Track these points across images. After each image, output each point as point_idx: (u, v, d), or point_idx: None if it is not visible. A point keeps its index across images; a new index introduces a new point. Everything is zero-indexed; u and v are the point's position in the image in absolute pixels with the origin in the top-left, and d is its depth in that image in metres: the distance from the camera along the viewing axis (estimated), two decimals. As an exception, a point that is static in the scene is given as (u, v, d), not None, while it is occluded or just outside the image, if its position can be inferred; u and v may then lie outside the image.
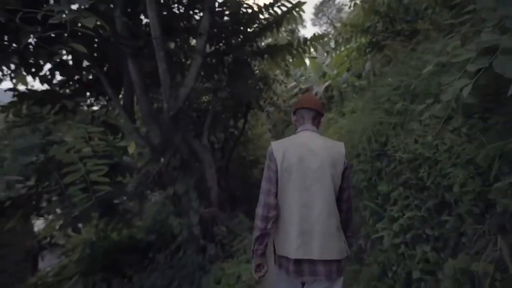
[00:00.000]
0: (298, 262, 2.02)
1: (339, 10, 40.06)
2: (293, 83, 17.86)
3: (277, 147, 2.13)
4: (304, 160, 2.06)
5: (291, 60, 8.67)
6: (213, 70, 7.94)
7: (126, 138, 5.00)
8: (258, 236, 2.09)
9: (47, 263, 8.05)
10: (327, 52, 17.00)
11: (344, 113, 11.06)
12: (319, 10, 43.06)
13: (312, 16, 45.03)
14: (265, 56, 8.25)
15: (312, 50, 8.71)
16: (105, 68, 6.48)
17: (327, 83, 13.54)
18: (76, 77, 6.32)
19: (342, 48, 10.21)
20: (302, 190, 2.03)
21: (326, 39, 8.97)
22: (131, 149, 4.13)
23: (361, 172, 4.10)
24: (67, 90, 6.42)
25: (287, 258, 2.05)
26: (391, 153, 3.53)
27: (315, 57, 17.74)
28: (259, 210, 2.09)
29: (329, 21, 43.26)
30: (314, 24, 44.48)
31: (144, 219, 7.34)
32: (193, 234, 5.58)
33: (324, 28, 43.21)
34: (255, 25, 7.96)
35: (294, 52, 8.31)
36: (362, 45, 8.84)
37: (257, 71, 9.31)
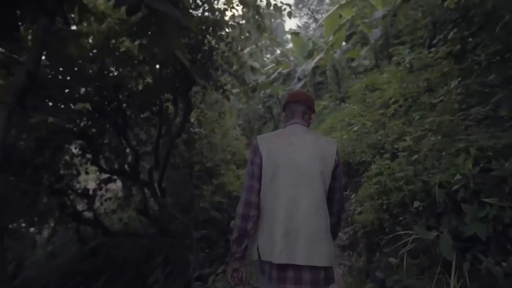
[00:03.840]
0: (281, 267, 1.80)
1: (321, 1, 37.46)
2: (271, 65, 14.07)
3: (263, 140, 1.94)
4: (292, 155, 1.88)
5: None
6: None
7: None
8: (236, 238, 1.90)
9: None
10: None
11: (344, 100, 7.25)
12: (299, 1, 40.53)
13: (292, 7, 42.16)
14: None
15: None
16: None
17: (317, 59, 9.73)
18: None
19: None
20: (288, 187, 1.84)
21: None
22: None
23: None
24: None
25: (270, 263, 1.82)
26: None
27: (297, 32, 13.99)
28: (240, 209, 1.89)
29: (309, 13, 40.65)
30: (294, 16, 41.69)
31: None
32: None
33: (304, 20, 40.50)
34: None
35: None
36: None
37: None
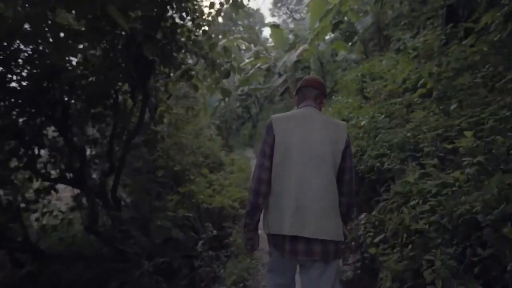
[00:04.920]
0: (293, 240, 1.87)
1: (300, 0, 37.03)
2: (250, 58, 13.03)
3: (277, 120, 2.01)
4: (304, 135, 1.95)
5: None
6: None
7: None
8: (249, 211, 2.02)
9: None
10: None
11: (331, 94, 6.40)
12: (278, 0, 40.01)
13: (270, 6, 41.71)
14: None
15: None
16: None
17: (300, 49, 8.76)
18: None
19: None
20: (300, 165, 1.90)
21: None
22: None
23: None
24: None
25: (282, 236, 1.90)
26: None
27: (277, 25, 13.06)
28: (252, 185, 1.99)
29: (288, 12, 40.14)
30: (272, 15, 41.02)
31: None
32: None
33: (283, 19, 39.91)
34: None
35: None
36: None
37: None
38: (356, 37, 7.84)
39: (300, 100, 2.12)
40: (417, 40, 4.44)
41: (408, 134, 2.53)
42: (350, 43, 8.35)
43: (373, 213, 2.38)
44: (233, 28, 26.25)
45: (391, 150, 2.60)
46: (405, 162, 2.38)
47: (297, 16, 37.60)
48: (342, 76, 6.33)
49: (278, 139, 1.92)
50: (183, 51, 4.36)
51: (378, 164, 2.60)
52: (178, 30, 4.41)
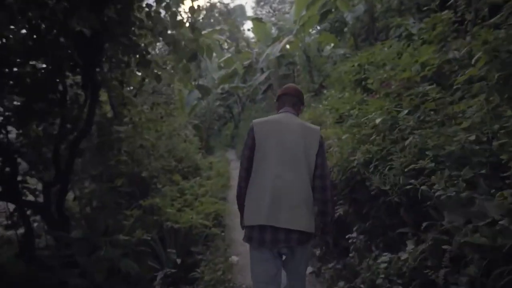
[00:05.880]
0: (273, 230, 2.06)
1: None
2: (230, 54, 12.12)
3: (258, 124, 2.25)
4: (281, 136, 2.17)
5: None
6: None
7: None
8: (237, 196, 2.33)
9: None
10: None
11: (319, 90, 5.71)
12: (261, -1, 39.34)
13: (253, 5, 41.04)
14: None
15: None
16: None
17: (285, 41, 7.90)
18: None
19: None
20: (276, 164, 2.12)
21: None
22: None
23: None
24: None
25: (260, 227, 2.09)
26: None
27: (260, 18, 12.24)
28: (238, 179, 2.30)
29: (271, 11, 39.50)
30: (255, 13, 40.21)
31: None
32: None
33: (265, 18, 39.21)
34: None
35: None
36: None
37: None
38: (346, 28, 7.09)
39: (280, 106, 2.37)
40: (425, 24, 3.70)
41: (471, 138, 1.67)
42: (338, 38, 7.59)
43: (402, 257, 1.55)
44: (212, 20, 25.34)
45: (438, 163, 1.76)
46: (475, 186, 1.53)
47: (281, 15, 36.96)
48: (334, 69, 5.51)
49: (258, 141, 2.16)
50: (137, 26, 3.42)
51: (419, 185, 1.75)
52: (135, 5, 3.48)
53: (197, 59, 4.07)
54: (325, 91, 5.59)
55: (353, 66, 4.18)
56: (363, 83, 3.79)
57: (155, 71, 4.07)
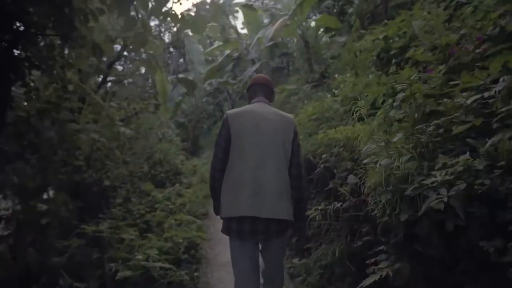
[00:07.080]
0: (252, 220, 2.04)
1: (275, -7, 35.38)
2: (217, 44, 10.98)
3: (233, 114, 2.23)
4: (258, 125, 2.15)
5: None
6: None
7: None
8: (210, 188, 2.31)
9: None
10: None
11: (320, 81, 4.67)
12: (252, -7, 38.14)
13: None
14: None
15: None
16: None
17: (279, 22, 6.76)
18: None
19: None
20: (255, 154, 2.11)
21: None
22: None
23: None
24: None
25: (239, 218, 2.06)
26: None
27: (250, 5, 11.10)
28: (211, 171, 2.26)
29: (263, 6, 38.40)
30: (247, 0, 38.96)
31: None
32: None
33: (257, 5, 37.99)
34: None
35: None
36: None
37: None
38: (351, 9, 5.99)
39: (252, 96, 2.37)
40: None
41: None
42: (341, 18, 6.50)
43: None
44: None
45: None
46: None
47: (272, 10, 35.76)
48: (345, 50, 4.34)
49: (234, 132, 2.13)
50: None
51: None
52: None
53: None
54: (336, 75, 4.45)
55: (377, 39, 3.08)
56: (396, 59, 2.68)
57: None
